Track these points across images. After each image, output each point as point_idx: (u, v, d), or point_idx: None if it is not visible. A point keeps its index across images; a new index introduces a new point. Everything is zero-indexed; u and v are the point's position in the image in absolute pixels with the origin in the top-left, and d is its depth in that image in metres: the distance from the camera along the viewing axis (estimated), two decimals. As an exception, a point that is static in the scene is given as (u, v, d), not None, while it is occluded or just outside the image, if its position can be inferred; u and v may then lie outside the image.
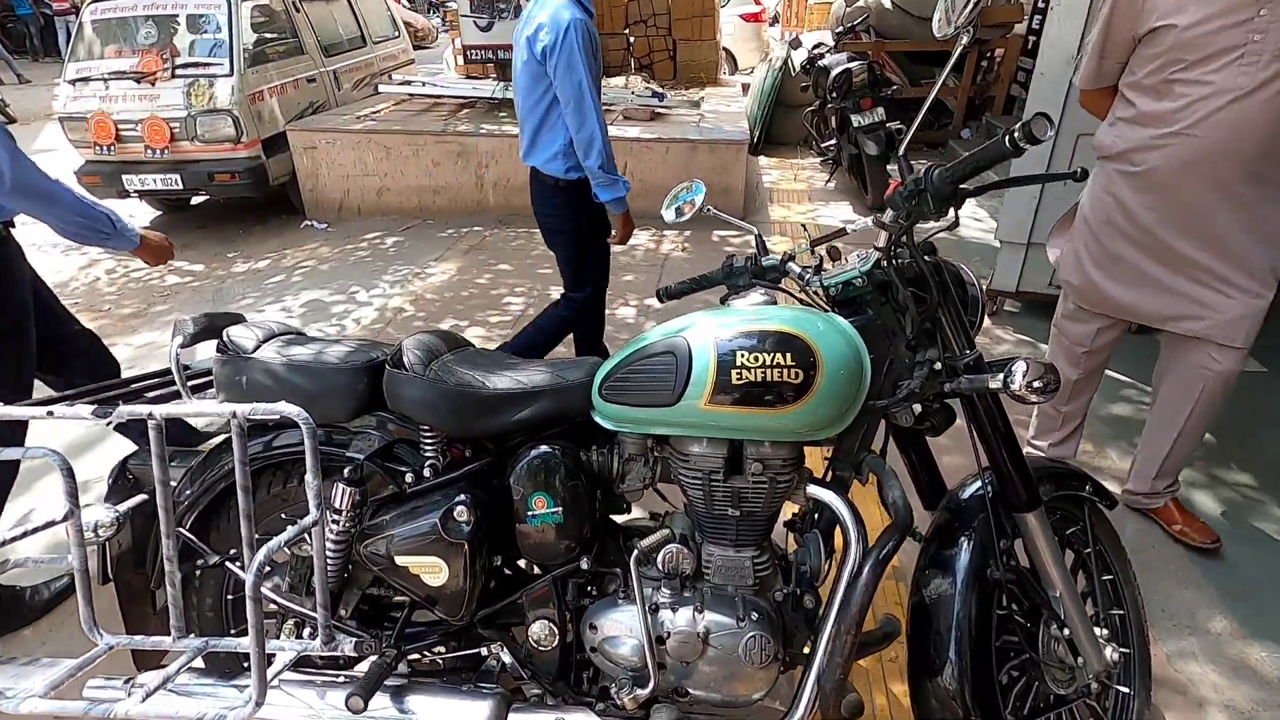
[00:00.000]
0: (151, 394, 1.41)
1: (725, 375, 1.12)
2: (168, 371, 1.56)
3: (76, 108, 4.88)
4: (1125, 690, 1.43)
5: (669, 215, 1.55)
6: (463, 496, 1.20)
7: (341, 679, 1.30)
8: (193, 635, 1.23)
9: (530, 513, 1.21)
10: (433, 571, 1.19)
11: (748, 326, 1.14)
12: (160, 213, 5.89)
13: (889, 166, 4.75)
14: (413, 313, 3.73)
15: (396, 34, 7.05)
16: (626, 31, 7.21)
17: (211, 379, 1.40)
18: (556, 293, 3.92)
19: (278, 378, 1.27)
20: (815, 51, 5.68)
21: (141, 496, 1.39)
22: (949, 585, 1.22)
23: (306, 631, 1.33)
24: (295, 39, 5.49)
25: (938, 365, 1.18)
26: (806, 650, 1.23)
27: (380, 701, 1.22)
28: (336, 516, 1.25)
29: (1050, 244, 2.31)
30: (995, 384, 1.07)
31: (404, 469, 1.28)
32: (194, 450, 1.51)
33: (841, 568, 1.20)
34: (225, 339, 1.32)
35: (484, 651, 1.31)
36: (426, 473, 1.26)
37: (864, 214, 5.18)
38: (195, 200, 5.99)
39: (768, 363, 1.11)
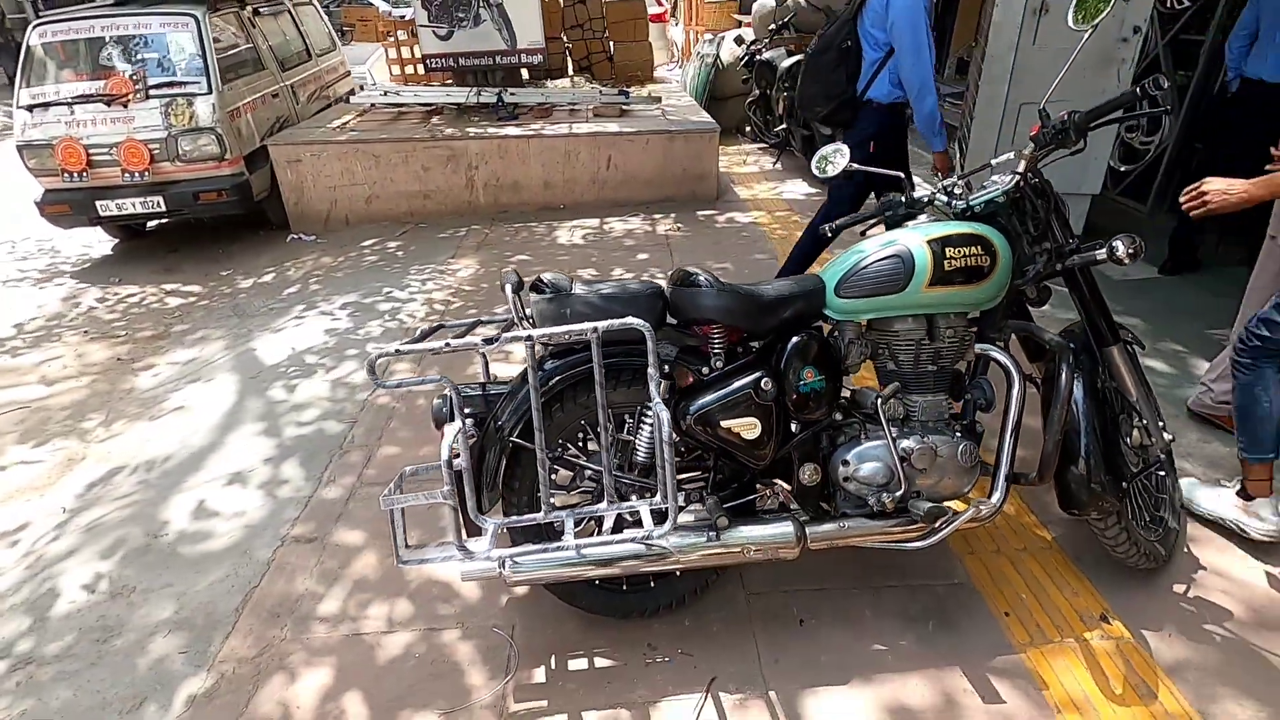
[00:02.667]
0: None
1: (939, 265, 1.63)
2: (439, 327, 1.88)
3: (38, 135, 4.71)
4: (1163, 473, 2.08)
5: (820, 169, 2.05)
6: (761, 372, 1.65)
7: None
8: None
9: (802, 381, 1.68)
10: (750, 429, 1.63)
11: (947, 231, 1.66)
12: (118, 240, 5.68)
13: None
14: (461, 304, 3.99)
15: (334, 48, 7.07)
16: (563, 36, 7.59)
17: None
18: (585, 273, 4.34)
19: (595, 305, 1.65)
20: (753, 47, 6.33)
21: (470, 420, 1.72)
22: (1073, 401, 1.80)
23: (633, 497, 1.72)
24: (255, 54, 5.49)
25: (1051, 252, 1.75)
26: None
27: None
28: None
29: None
30: (1102, 255, 1.65)
31: (697, 364, 1.70)
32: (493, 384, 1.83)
33: (1009, 396, 1.75)
34: (544, 282, 1.68)
35: (766, 493, 1.77)
36: (716, 365, 1.69)
37: (820, 188, 5.90)
38: (152, 224, 5.83)
39: (967, 254, 1.64)
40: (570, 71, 7.75)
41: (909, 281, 1.65)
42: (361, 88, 6.31)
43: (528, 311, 1.73)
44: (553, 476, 1.82)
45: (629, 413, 1.79)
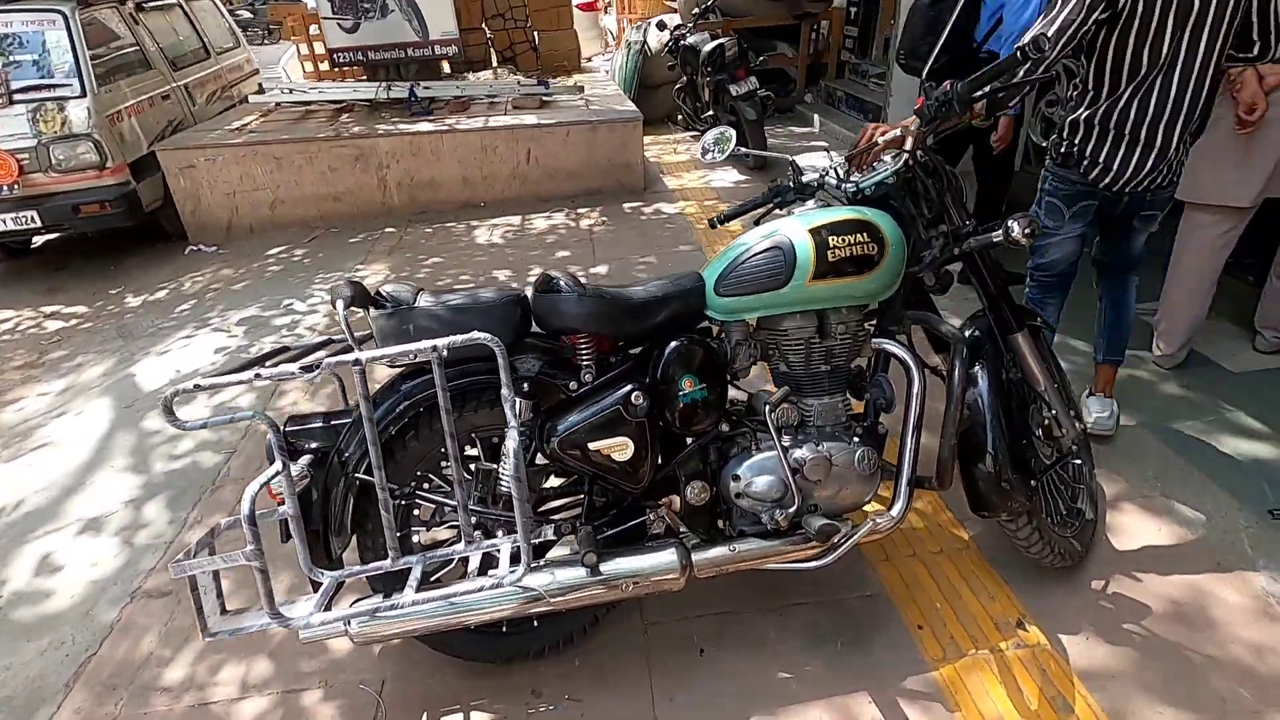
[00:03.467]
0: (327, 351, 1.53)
1: (823, 256, 1.48)
2: (282, 349, 1.66)
3: (-114, 148, 4.25)
4: (1078, 461, 1.98)
5: (709, 158, 1.88)
6: (632, 385, 1.47)
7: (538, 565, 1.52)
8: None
9: (682, 392, 1.50)
10: (622, 449, 1.45)
11: (830, 219, 1.51)
12: (-1, 260, 5.23)
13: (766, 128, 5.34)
14: (363, 314, 3.72)
15: (237, 44, 6.65)
16: (484, 26, 7.29)
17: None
18: (500, 275, 4.11)
19: (442, 320, 1.45)
20: (677, 33, 6.15)
21: (308, 457, 1.51)
22: (978, 395, 1.67)
23: (500, 532, 1.53)
24: (140, 53, 5.09)
25: (948, 235, 1.62)
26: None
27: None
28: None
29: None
30: (999, 237, 1.52)
31: (564, 379, 1.52)
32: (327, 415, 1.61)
33: (909, 394, 1.61)
34: (384, 295, 1.47)
35: (650, 517, 1.59)
36: (586, 378, 1.51)
37: (749, 175, 5.76)
38: (38, 241, 5.38)
39: (852, 242, 1.48)
40: (494, 63, 7.47)
41: (791, 275, 1.49)
42: (261, 88, 5.91)
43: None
44: (414, 512, 1.63)
45: (497, 435, 1.60)
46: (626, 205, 5.09)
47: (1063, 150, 2.07)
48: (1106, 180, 2.03)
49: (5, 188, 4.34)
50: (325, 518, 1.52)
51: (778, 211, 1.82)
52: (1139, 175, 1.99)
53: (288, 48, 8.60)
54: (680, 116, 7.06)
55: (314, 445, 1.54)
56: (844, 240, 1.48)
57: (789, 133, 6.84)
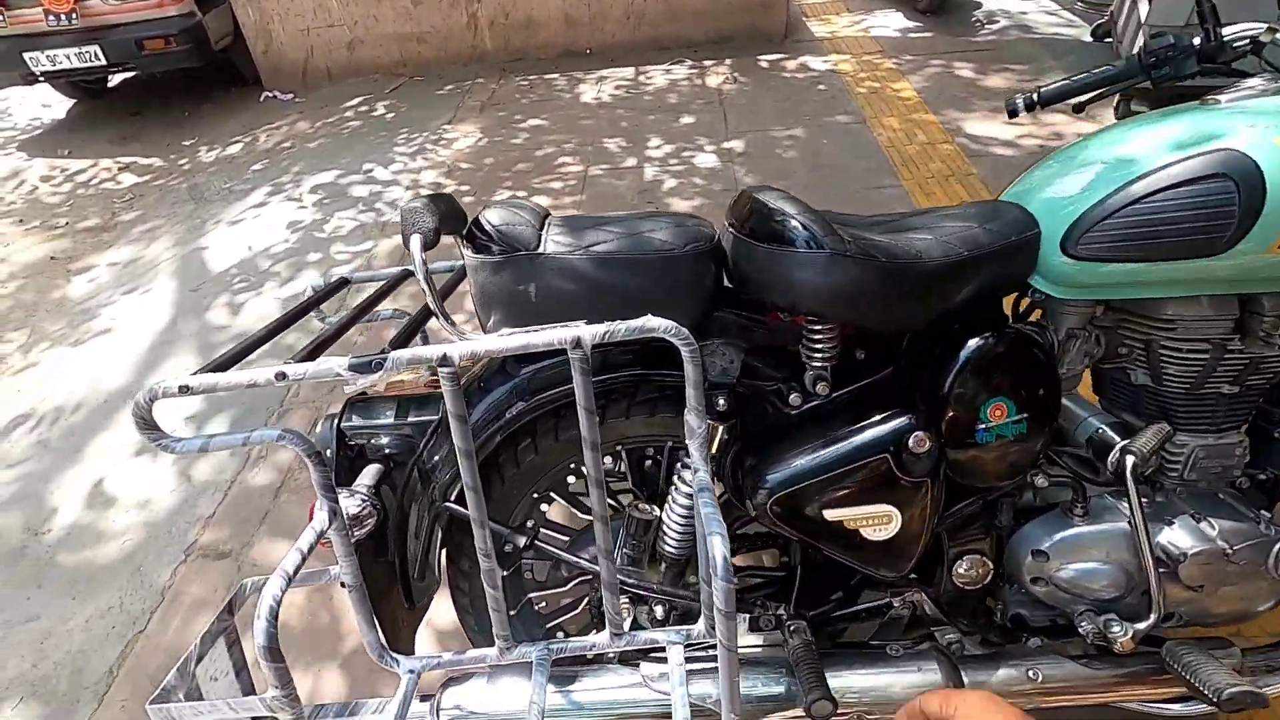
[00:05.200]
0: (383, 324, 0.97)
1: (1324, 198, 0.75)
2: (341, 284, 1.10)
3: (-66, -35, 3.79)
4: None
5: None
6: (909, 419, 0.84)
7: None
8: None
9: (983, 425, 0.87)
10: (880, 523, 0.86)
11: (1347, 119, 0.76)
12: (75, 100, 4.87)
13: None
14: (454, 187, 3.14)
15: None
16: None
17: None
18: (611, 145, 3.38)
19: (588, 280, 0.84)
20: None
21: (376, 467, 1.00)
22: None
23: (659, 611, 1.01)
24: None
25: None
26: None
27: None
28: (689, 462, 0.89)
29: None
30: None
31: (779, 385, 0.91)
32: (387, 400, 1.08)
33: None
34: (485, 230, 0.86)
35: (895, 602, 1.02)
36: (819, 388, 0.89)
37: (916, 20, 4.57)
38: (115, 80, 4.97)
39: (1395, 171, 0.74)
40: None
41: (1245, 232, 0.77)
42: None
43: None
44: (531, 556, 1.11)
45: (654, 448, 1.04)
46: (763, 58, 4.12)
47: None
48: None
49: (64, 17, 3.85)
50: (403, 552, 1.03)
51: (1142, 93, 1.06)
52: None
53: None
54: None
55: (386, 445, 1.03)
56: (1378, 169, 0.74)
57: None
